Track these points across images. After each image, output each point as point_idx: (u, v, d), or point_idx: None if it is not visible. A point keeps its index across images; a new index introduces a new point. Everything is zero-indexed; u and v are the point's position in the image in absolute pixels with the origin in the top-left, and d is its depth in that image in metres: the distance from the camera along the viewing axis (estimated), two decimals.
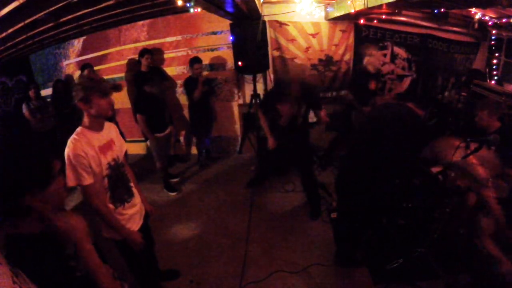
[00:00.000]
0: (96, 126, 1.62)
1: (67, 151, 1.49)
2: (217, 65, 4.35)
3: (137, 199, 1.87)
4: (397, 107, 2.09)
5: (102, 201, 1.62)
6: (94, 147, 1.56)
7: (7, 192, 0.93)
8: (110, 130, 1.75)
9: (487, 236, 1.30)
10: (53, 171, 1.02)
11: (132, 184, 1.85)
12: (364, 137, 2.10)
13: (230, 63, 4.27)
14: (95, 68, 4.38)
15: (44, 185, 0.98)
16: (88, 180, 1.52)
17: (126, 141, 3.92)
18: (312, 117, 3.09)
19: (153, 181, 3.90)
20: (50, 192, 1.01)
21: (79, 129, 1.58)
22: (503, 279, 1.18)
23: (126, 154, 1.90)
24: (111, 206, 1.67)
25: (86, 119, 1.59)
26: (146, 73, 3.94)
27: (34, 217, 0.99)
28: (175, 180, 4.04)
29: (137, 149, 4.69)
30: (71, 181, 1.48)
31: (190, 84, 3.85)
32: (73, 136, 1.53)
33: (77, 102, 1.54)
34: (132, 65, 4.31)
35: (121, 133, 3.99)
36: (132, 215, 1.79)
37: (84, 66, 4.03)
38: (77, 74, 4.56)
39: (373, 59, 3.73)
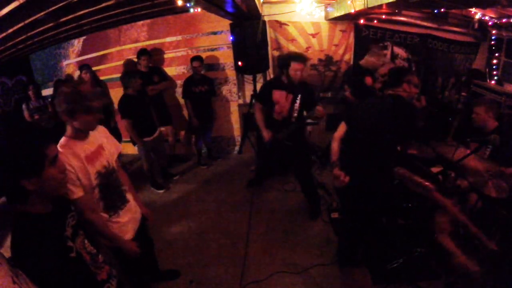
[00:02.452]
0: (81, 135, 1.54)
1: None
2: (217, 65, 4.35)
3: (131, 204, 1.81)
4: (387, 98, 2.07)
5: (94, 212, 1.55)
6: (80, 158, 1.48)
7: (2, 177, 0.98)
8: (98, 135, 1.65)
9: (444, 233, 1.31)
10: (47, 157, 1.05)
11: (125, 188, 1.78)
12: (354, 130, 2.09)
13: (230, 63, 4.27)
14: (95, 68, 4.38)
15: (37, 170, 1.02)
16: (76, 193, 1.45)
17: (122, 141, 3.96)
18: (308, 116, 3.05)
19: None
20: (47, 177, 1.04)
21: (63, 140, 1.49)
22: (456, 270, 1.21)
23: (119, 155, 1.83)
24: (104, 215, 1.62)
25: (69, 129, 1.51)
26: (146, 73, 3.95)
27: (35, 199, 1.04)
28: (176, 177, 4.08)
29: (136, 149, 4.68)
30: None
31: (186, 86, 3.92)
32: (57, 148, 1.43)
33: (59, 112, 1.46)
34: (129, 66, 4.31)
35: (119, 134, 4.03)
36: (126, 222, 1.73)
37: (81, 66, 4.03)
38: (77, 74, 4.55)
39: (374, 58, 3.64)
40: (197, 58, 3.85)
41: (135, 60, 4.06)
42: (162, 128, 3.89)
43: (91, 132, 1.59)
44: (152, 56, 4.12)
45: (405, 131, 1.99)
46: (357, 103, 2.38)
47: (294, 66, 2.63)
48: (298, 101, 2.77)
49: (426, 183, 1.40)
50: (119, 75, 4.46)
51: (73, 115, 1.45)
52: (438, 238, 1.26)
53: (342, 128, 2.14)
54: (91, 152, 1.55)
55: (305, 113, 2.96)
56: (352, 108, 2.44)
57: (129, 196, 1.80)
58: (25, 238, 1.01)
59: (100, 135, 1.68)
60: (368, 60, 3.61)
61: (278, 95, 2.79)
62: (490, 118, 2.53)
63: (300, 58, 2.67)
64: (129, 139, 3.55)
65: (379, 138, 1.97)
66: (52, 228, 1.09)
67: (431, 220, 2.01)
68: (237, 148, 4.77)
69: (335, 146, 2.09)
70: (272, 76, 4.33)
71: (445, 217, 1.29)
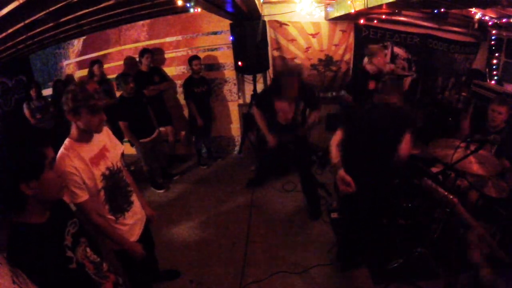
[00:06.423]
0: (86, 137, 1.50)
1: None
2: (217, 65, 4.35)
3: (137, 207, 1.79)
4: (388, 108, 2.11)
5: (100, 215, 1.54)
6: (85, 161, 1.45)
7: (1, 182, 0.94)
8: (101, 136, 1.63)
9: (476, 250, 1.32)
10: (46, 159, 1.01)
11: (131, 189, 1.77)
12: (357, 136, 2.12)
13: (230, 63, 4.27)
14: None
15: (37, 174, 0.99)
16: (81, 197, 1.42)
17: (123, 141, 3.97)
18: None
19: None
20: (46, 181, 1.01)
21: (67, 141, 1.45)
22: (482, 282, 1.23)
23: (122, 155, 1.80)
24: (111, 217, 1.60)
25: (74, 131, 1.47)
26: (147, 73, 3.95)
27: (32, 206, 1.01)
28: (176, 177, 4.08)
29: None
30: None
31: (187, 87, 3.91)
32: (61, 150, 1.42)
33: (65, 112, 1.41)
34: (130, 65, 4.31)
35: (120, 134, 4.02)
36: (132, 225, 1.73)
37: (93, 62, 4.06)
38: (77, 74, 4.55)
39: (378, 59, 3.59)
40: (196, 58, 3.85)
41: (136, 59, 4.07)
42: (162, 128, 3.88)
43: (95, 134, 1.57)
44: (154, 56, 4.12)
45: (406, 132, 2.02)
46: (355, 108, 2.42)
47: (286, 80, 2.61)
48: (301, 106, 2.83)
49: (451, 196, 1.40)
50: None
51: (78, 114, 1.41)
52: (469, 254, 1.28)
53: (339, 134, 2.17)
54: (95, 154, 1.53)
55: (308, 111, 3.00)
56: (350, 114, 2.48)
57: (134, 197, 1.79)
58: (21, 252, 0.96)
59: (103, 136, 1.65)
60: (372, 62, 3.56)
61: (281, 105, 2.79)
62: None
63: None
64: (128, 139, 3.55)
65: (380, 144, 1.99)
66: (50, 238, 1.05)
67: (461, 237, 2.02)
68: (237, 148, 4.77)
69: (334, 150, 2.12)
70: (272, 76, 4.33)
71: (475, 235, 1.32)
